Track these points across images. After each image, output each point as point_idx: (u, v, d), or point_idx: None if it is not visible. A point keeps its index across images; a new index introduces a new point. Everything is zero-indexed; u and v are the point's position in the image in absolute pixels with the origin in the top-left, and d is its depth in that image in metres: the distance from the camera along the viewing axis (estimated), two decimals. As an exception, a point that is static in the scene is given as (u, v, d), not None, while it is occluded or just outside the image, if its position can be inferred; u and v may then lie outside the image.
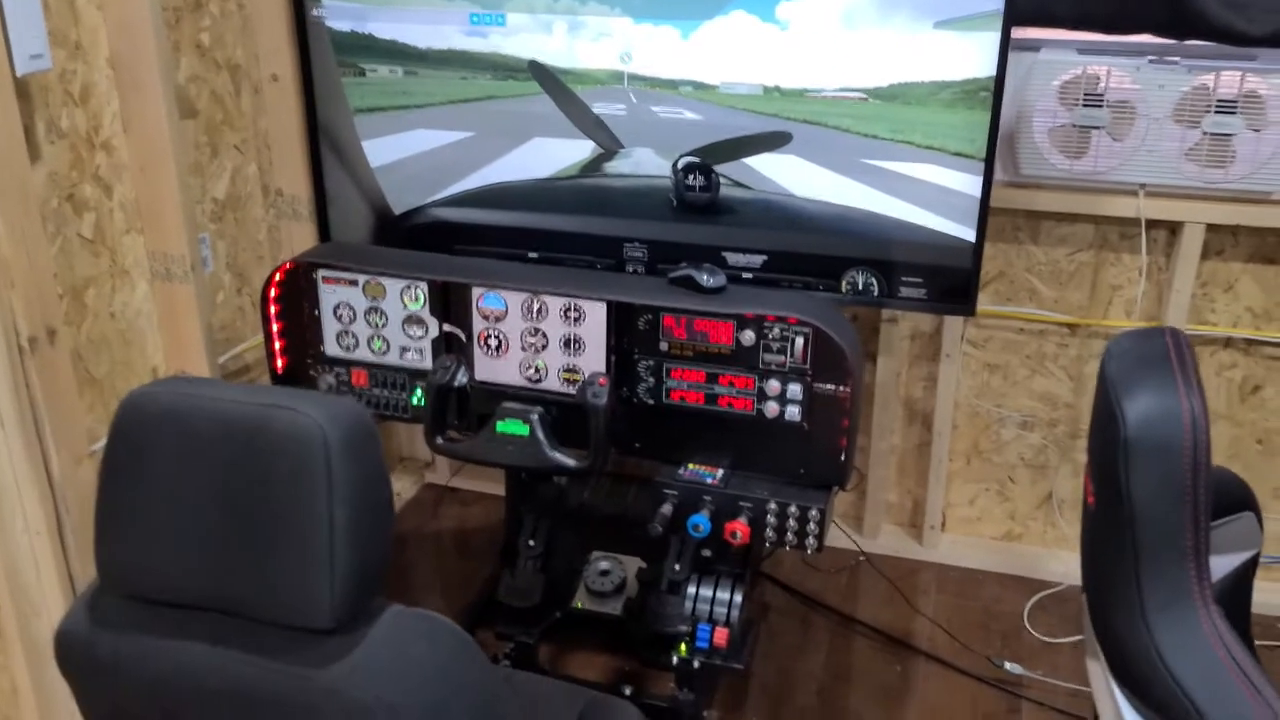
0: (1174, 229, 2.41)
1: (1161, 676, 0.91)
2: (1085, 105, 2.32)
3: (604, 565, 2.50)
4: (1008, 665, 2.40)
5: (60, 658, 1.18)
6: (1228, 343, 2.49)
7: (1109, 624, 0.98)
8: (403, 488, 3.08)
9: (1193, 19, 2.13)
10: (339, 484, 1.06)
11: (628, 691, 2.21)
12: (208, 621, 1.11)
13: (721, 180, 2.12)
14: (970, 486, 2.80)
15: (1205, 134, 2.28)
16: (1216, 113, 2.25)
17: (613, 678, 2.39)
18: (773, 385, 1.92)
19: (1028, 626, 2.56)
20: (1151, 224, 2.41)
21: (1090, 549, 1.08)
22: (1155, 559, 0.94)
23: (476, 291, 2.01)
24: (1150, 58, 2.28)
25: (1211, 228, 2.37)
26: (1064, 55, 2.31)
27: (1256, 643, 1.36)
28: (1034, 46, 2.33)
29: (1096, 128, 2.33)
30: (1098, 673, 1.02)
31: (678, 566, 2.11)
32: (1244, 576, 1.24)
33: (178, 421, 1.10)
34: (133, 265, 2.10)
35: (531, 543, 2.33)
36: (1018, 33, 2.28)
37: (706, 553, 2.13)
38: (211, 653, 1.11)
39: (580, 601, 2.46)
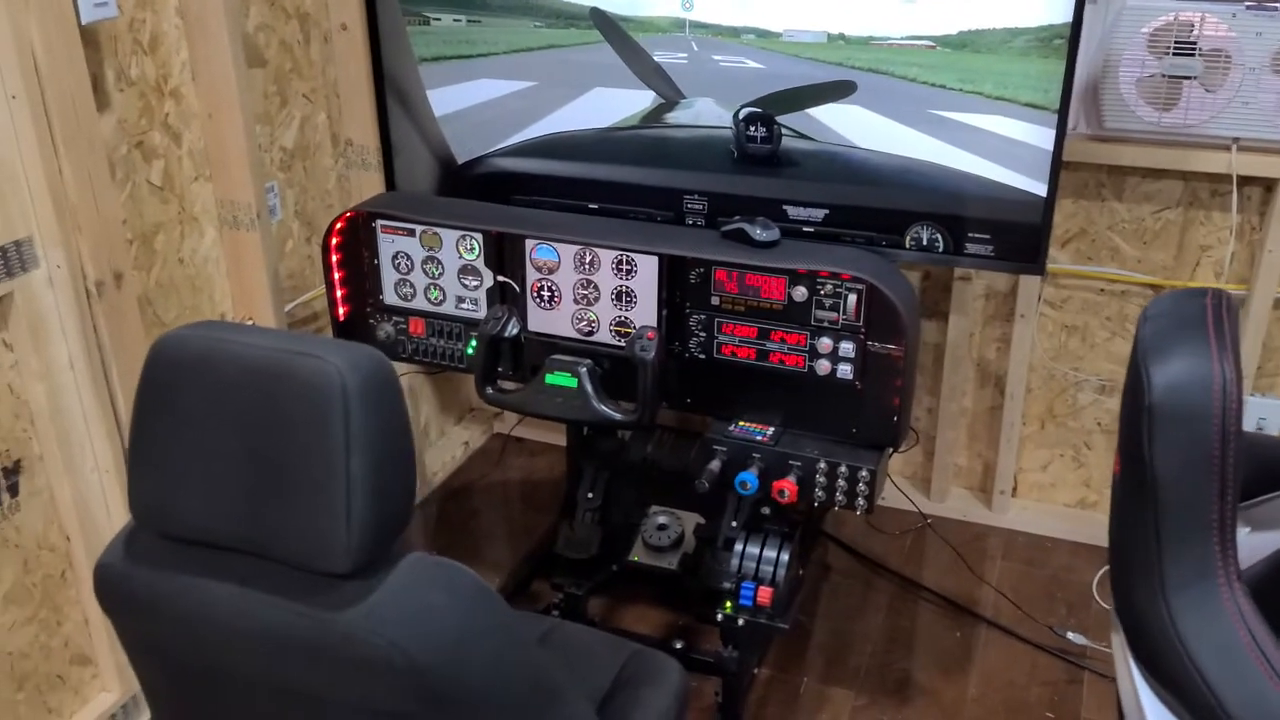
0: (1270, 186, 2.28)
1: (1178, 655, 0.86)
2: (1176, 54, 2.20)
3: (661, 520, 2.50)
4: (1070, 635, 2.33)
5: (99, 591, 1.22)
6: (1324, 308, 2.36)
7: (1129, 598, 0.93)
8: (471, 437, 3.12)
9: (1294, -39, 2.00)
10: (357, 430, 1.06)
11: (679, 646, 2.20)
12: (236, 562, 1.13)
13: (783, 131, 2.07)
14: (1044, 451, 2.72)
15: (1306, 85, 2.15)
16: (1318, 62, 2.12)
17: (666, 632, 2.40)
18: (824, 342, 1.88)
19: (1096, 597, 2.49)
20: (1244, 180, 2.28)
21: (1115, 521, 1.04)
22: (1178, 532, 0.89)
23: (529, 243, 2.00)
24: (1248, 3, 2.15)
25: (1310, 185, 2.24)
26: (1155, 1, 2.19)
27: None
28: (1122, -8, 2.22)
29: (1188, 78, 2.21)
30: (1119, 647, 0.98)
31: (734, 523, 2.09)
32: (1298, 554, 1.17)
33: (206, 365, 1.11)
34: (201, 212, 2.14)
35: (590, 495, 2.33)
36: (1104, -23, 2.18)
37: (765, 510, 2.11)
38: (238, 593, 1.13)
39: (637, 555, 2.47)
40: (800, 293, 1.87)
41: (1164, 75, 2.22)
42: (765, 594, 1.95)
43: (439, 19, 2.24)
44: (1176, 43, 2.19)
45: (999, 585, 2.53)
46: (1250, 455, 1.17)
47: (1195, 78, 2.20)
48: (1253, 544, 1.14)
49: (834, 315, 1.87)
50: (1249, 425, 2.38)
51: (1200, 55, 2.18)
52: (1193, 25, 2.18)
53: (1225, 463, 0.87)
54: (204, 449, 1.11)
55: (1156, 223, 2.41)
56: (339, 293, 2.20)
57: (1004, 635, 2.39)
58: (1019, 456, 2.72)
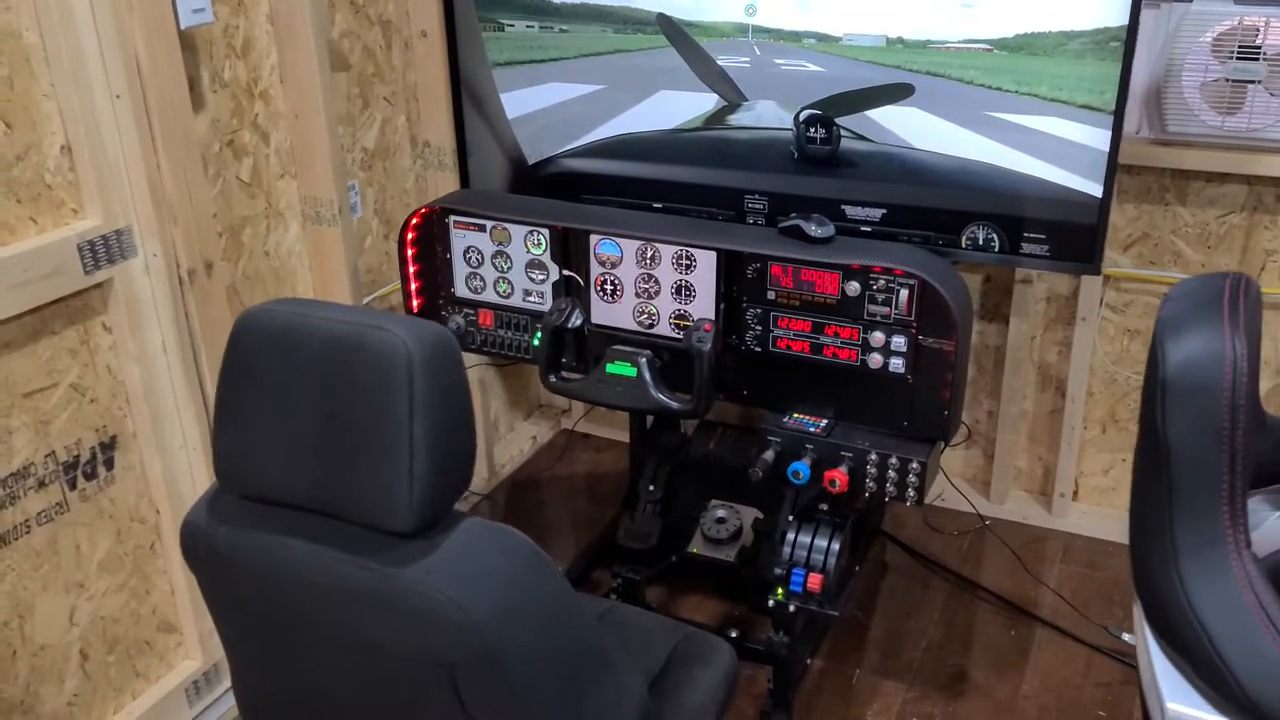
0: (1337, 191, 2.27)
1: (1188, 620, 0.90)
2: (1240, 58, 2.20)
3: (720, 513, 2.55)
4: (1126, 636, 2.34)
5: (184, 547, 1.32)
6: (1393, 314, 2.34)
7: (1144, 567, 0.97)
8: (538, 432, 3.21)
9: (1360, -36, 2.00)
10: (420, 398, 1.14)
11: (734, 635, 2.26)
12: (309, 521, 1.22)
13: (842, 133, 2.12)
14: (1105, 456, 2.71)
15: (1373, 89, 2.14)
16: (1385, 66, 2.11)
17: (722, 622, 2.45)
18: (877, 337, 1.93)
19: (1155, 600, 2.48)
20: (1311, 185, 2.28)
21: (1133, 492, 1.07)
22: (1189, 502, 0.92)
23: (594, 238, 2.08)
24: (1314, 7, 2.15)
25: (1377, 190, 2.22)
26: (1219, 6, 2.20)
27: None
28: (1186, -4, 2.23)
29: (1253, 82, 2.22)
30: (1139, 618, 1.01)
31: (791, 517, 2.14)
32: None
33: (287, 337, 1.21)
34: (286, 208, 2.27)
35: (651, 487, 2.40)
36: (1168, -18, 2.19)
37: (824, 506, 2.15)
38: (311, 550, 1.22)
39: (696, 547, 2.53)
40: (854, 288, 1.93)
41: (1228, 80, 2.23)
42: (815, 580, 2.00)
43: (512, 25, 2.34)
44: (1241, 47, 2.20)
45: (1057, 587, 2.54)
46: (1281, 441, 1.20)
47: (1260, 82, 2.21)
48: (1283, 528, 1.16)
49: (886, 310, 1.91)
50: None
51: (1265, 60, 2.19)
52: (1258, 30, 2.18)
53: (1235, 435, 0.91)
54: (281, 415, 1.21)
55: (1221, 227, 2.41)
56: (413, 285, 2.31)
57: (1059, 635, 2.40)
58: (1080, 460, 2.72)
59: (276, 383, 1.21)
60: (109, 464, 1.97)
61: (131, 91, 1.81)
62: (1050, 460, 2.76)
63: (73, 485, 1.90)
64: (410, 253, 2.28)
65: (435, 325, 1.20)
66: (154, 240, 1.91)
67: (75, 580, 1.93)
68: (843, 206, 2.16)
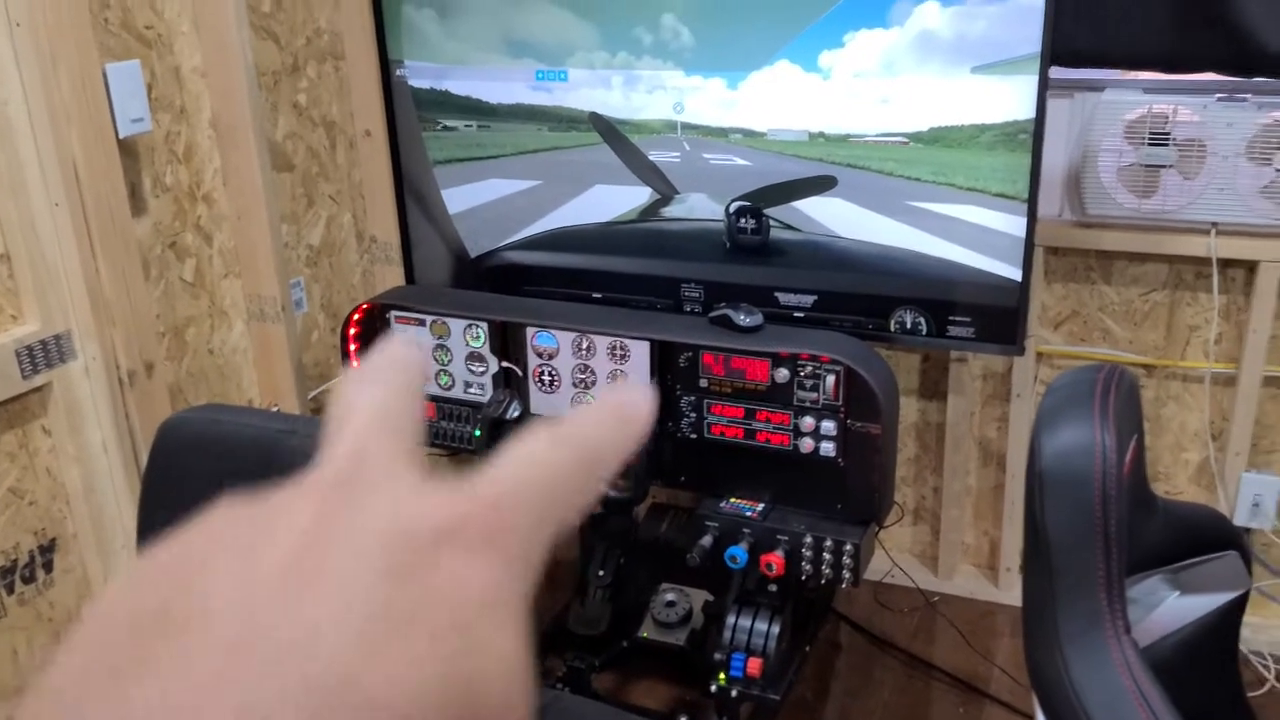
0: (1251, 268, 2.35)
1: (1069, 702, 0.93)
2: (1151, 144, 2.30)
3: (670, 596, 2.56)
4: (1070, 711, 2.35)
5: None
6: (1314, 385, 2.41)
7: (1033, 653, 1.01)
8: (492, 518, 3.21)
9: (1255, 56, 2.10)
10: (336, 502, 1.17)
11: (682, 720, 2.26)
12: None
13: (771, 223, 2.19)
14: (1049, 529, 2.75)
15: (1278, 171, 2.23)
16: (1287, 149, 2.20)
17: (673, 706, 2.45)
18: (807, 422, 1.97)
19: (1100, 673, 2.50)
20: (1228, 263, 2.36)
21: (1023, 579, 1.11)
22: (1069, 589, 0.96)
23: (530, 330, 2.13)
24: (1219, 95, 2.25)
25: (1288, 266, 2.30)
26: (1129, 94, 2.30)
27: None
28: (1098, 86, 2.33)
29: (1165, 166, 2.31)
30: (1036, 704, 1.04)
31: (734, 601, 2.16)
32: (1229, 616, 1.23)
33: (205, 444, 1.24)
34: (230, 306, 2.30)
35: (601, 572, 2.41)
36: (1080, 73, 2.30)
37: (772, 588, 2.17)
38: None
39: (647, 631, 2.53)
40: (783, 374, 1.97)
41: (1141, 164, 2.32)
42: (755, 665, 2.01)
43: (452, 125, 2.41)
44: (1151, 133, 2.29)
45: (1006, 663, 2.56)
46: (1175, 521, 1.24)
47: (1172, 166, 2.30)
48: (1182, 607, 1.20)
49: (814, 395, 1.96)
50: (1245, 501, 2.42)
51: (1175, 145, 2.28)
52: (1166, 117, 2.28)
53: (1108, 524, 0.95)
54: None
55: (1145, 304, 2.48)
56: (356, 380, 2.33)
57: (1008, 712, 2.41)
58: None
59: (195, 488, 1.23)
60: (48, 566, 1.97)
61: (70, 199, 1.85)
62: (995, 535, 2.79)
63: (10, 590, 1.90)
64: (353, 348, 2.32)
65: (353, 429, 1.23)
66: (93, 343, 1.93)
67: (14, 686, 1.92)
68: (776, 294, 2.22)
